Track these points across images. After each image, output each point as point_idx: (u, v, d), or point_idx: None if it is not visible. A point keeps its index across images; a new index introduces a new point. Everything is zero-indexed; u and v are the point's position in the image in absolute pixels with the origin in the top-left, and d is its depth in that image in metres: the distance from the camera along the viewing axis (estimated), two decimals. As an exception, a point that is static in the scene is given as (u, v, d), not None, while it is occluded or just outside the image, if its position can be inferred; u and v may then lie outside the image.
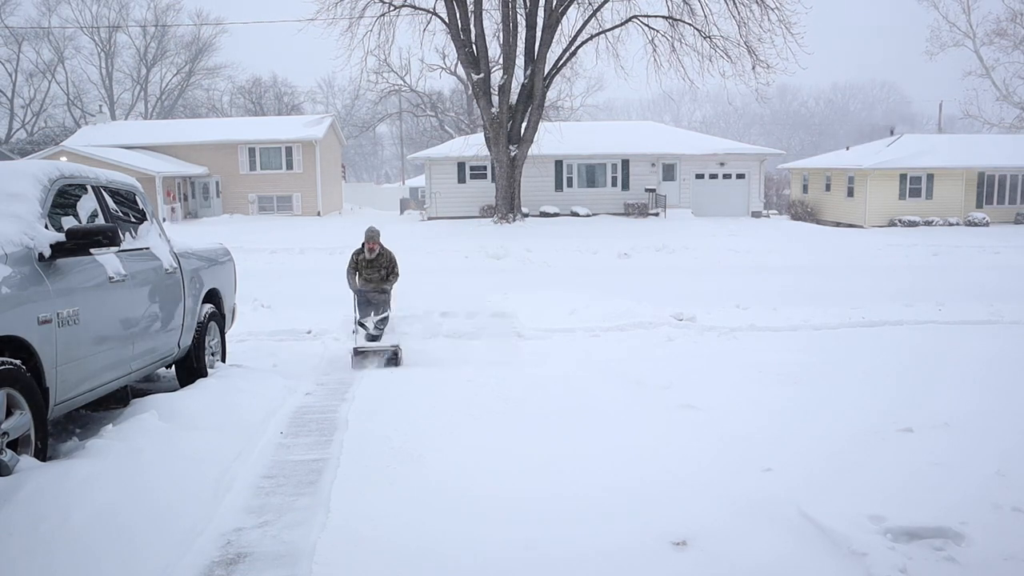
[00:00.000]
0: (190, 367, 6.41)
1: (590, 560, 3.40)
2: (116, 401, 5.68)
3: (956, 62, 43.94)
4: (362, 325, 8.31)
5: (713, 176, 32.34)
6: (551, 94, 29.23)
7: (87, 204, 5.02)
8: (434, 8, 26.84)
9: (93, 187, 5.16)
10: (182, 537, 3.59)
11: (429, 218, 31.09)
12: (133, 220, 5.69)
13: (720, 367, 7.14)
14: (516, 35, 26.39)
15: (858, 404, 5.79)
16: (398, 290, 8.68)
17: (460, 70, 31.52)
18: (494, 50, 27.59)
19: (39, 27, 52.88)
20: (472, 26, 26.29)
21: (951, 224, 30.41)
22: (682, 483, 4.24)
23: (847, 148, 38.50)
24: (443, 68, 32.72)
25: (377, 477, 4.44)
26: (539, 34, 26.45)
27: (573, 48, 27.29)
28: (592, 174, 31.85)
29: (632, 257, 19.02)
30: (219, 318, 7.09)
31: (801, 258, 18.64)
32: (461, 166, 31.35)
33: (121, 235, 5.14)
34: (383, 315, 8.37)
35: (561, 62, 27.41)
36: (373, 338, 8.26)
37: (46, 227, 4.40)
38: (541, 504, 4.01)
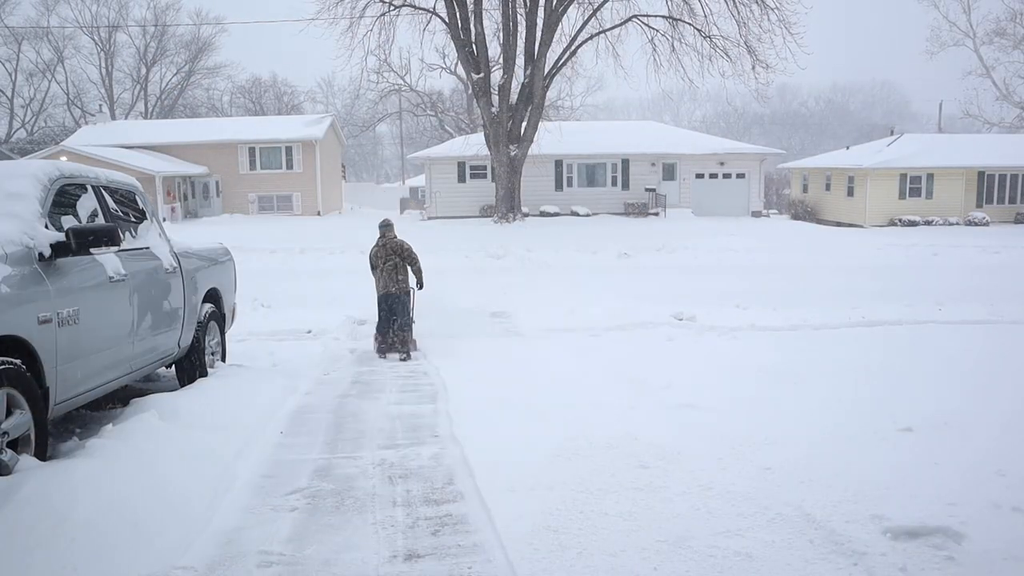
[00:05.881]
0: (190, 366, 6.41)
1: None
2: (116, 401, 5.68)
3: (956, 62, 44.00)
4: (378, 338, 8.40)
5: (713, 176, 32.33)
6: (551, 94, 29.23)
7: (87, 204, 5.01)
8: (434, 8, 26.88)
9: (93, 187, 5.16)
10: (182, 536, 3.59)
11: (429, 218, 31.07)
12: (133, 220, 5.69)
13: (720, 366, 7.14)
14: (516, 35, 26.38)
15: (858, 403, 5.80)
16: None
17: (460, 70, 31.53)
18: (494, 50, 27.61)
19: (39, 27, 52.89)
20: (472, 26, 26.29)
21: (951, 224, 30.39)
22: (682, 482, 4.24)
23: (847, 148, 38.51)
24: (443, 68, 32.78)
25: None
26: (539, 34, 26.44)
27: (573, 48, 27.28)
28: (592, 174, 31.84)
29: (632, 257, 19.01)
30: (219, 317, 7.09)
31: (801, 258, 18.63)
32: (461, 166, 31.35)
33: (121, 235, 5.14)
34: (401, 322, 8.39)
35: (561, 62, 27.40)
36: (390, 346, 8.33)
37: (46, 227, 4.40)
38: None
